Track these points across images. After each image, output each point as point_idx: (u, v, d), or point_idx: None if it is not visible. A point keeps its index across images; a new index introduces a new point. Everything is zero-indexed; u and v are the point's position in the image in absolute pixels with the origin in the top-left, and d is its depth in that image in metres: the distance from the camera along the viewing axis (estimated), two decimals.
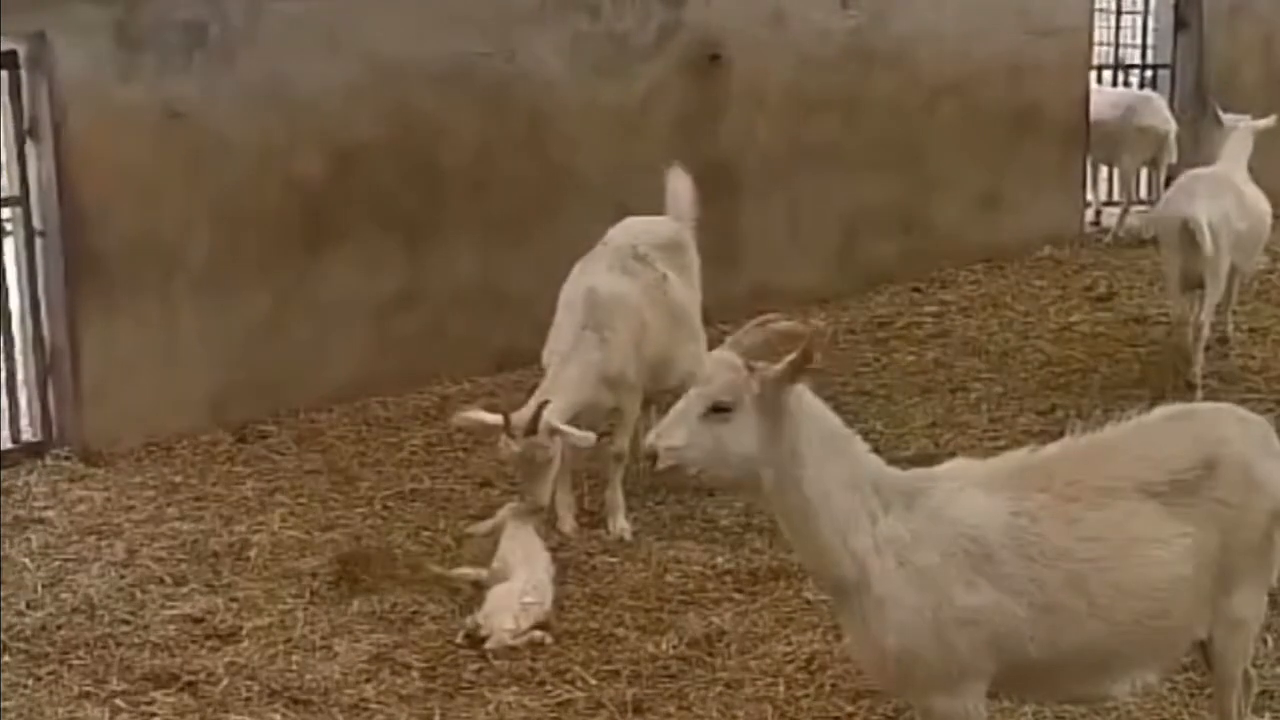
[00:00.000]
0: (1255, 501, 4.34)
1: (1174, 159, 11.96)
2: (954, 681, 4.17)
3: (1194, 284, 8.31)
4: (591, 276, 6.83)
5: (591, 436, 6.44)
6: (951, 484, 4.24)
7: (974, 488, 4.22)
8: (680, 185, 7.44)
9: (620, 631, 5.87)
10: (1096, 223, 12.22)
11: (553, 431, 6.29)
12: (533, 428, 6.24)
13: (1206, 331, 8.33)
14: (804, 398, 4.16)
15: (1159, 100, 12.21)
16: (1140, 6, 13.11)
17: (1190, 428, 4.45)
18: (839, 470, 4.17)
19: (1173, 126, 11.92)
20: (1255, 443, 4.42)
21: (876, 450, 7.90)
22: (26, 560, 6.47)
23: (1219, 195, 8.40)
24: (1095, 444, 4.43)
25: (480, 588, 6.02)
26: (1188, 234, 8.14)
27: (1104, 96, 12.05)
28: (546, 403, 6.34)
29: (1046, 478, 4.26)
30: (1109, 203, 12.52)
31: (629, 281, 6.85)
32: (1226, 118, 9.53)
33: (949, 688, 4.18)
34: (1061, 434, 7.39)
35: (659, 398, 7.27)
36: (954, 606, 4.09)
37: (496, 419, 6.33)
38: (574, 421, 6.46)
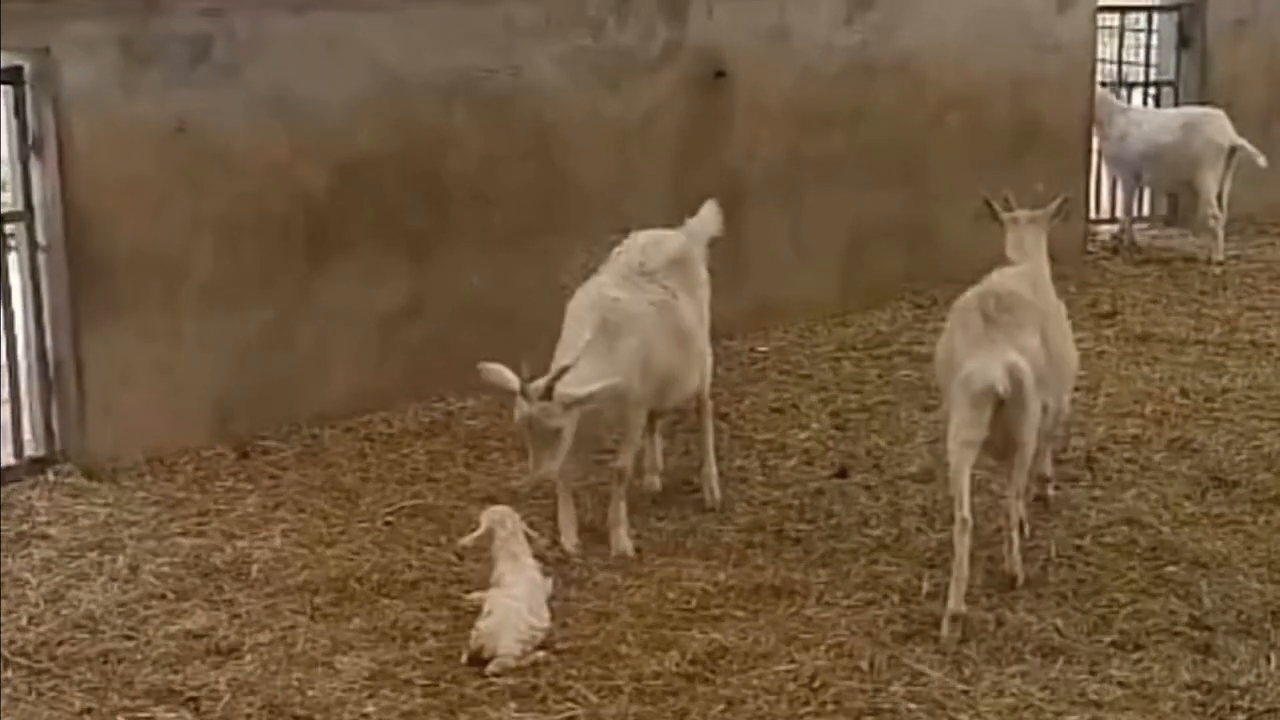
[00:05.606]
0: None
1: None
2: None
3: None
4: (600, 289, 6.82)
5: (619, 381, 6.47)
6: None
7: None
8: (708, 212, 7.47)
9: (622, 648, 5.85)
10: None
11: (568, 404, 6.27)
12: (547, 394, 6.23)
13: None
14: None
15: None
16: (1143, 24, 13.11)
17: None
18: None
19: None
20: None
21: (877, 467, 7.91)
22: (28, 575, 6.46)
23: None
24: None
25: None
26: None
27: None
28: (566, 369, 6.31)
29: None
30: (1111, 219, 12.54)
31: (637, 296, 6.83)
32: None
33: None
34: (1063, 450, 7.40)
35: (664, 415, 7.29)
36: None
37: (514, 382, 6.32)
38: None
